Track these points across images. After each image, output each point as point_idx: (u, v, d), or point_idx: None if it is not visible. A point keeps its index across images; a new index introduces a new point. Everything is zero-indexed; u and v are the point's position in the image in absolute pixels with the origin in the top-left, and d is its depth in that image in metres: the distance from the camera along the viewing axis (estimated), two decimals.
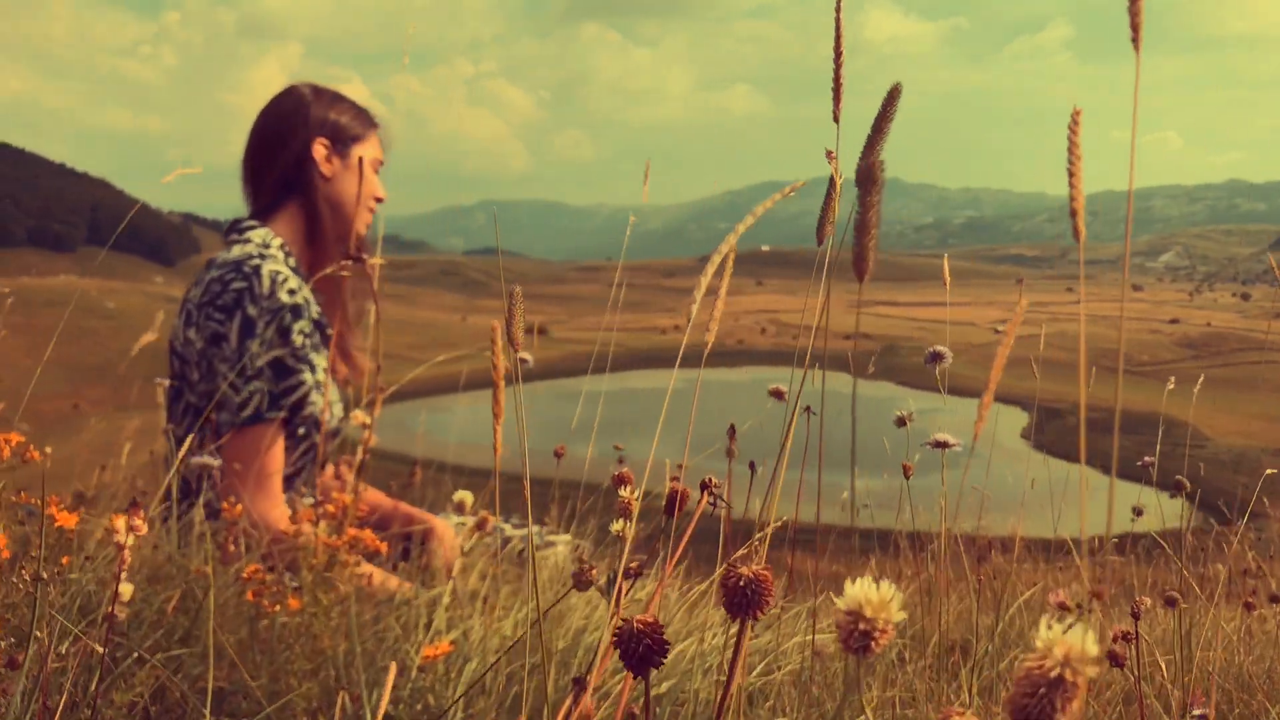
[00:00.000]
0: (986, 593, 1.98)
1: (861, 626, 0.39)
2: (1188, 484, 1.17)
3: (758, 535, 1.24)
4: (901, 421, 1.32)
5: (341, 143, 1.95)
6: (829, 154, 0.64)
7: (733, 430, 1.86)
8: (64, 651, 1.08)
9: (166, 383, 1.89)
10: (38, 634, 0.91)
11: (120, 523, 1.00)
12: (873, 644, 0.40)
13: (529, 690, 1.10)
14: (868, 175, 0.51)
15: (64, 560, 1.12)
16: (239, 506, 1.35)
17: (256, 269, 1.79)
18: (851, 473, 0.81)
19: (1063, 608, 1.59)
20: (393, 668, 0.65)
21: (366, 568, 1.91)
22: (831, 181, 0.66)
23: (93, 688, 1.09)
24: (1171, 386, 2.09)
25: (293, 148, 1.92)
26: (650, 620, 0.55)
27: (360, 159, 1.79)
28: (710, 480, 0.84)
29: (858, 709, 1.17)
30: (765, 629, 1.52)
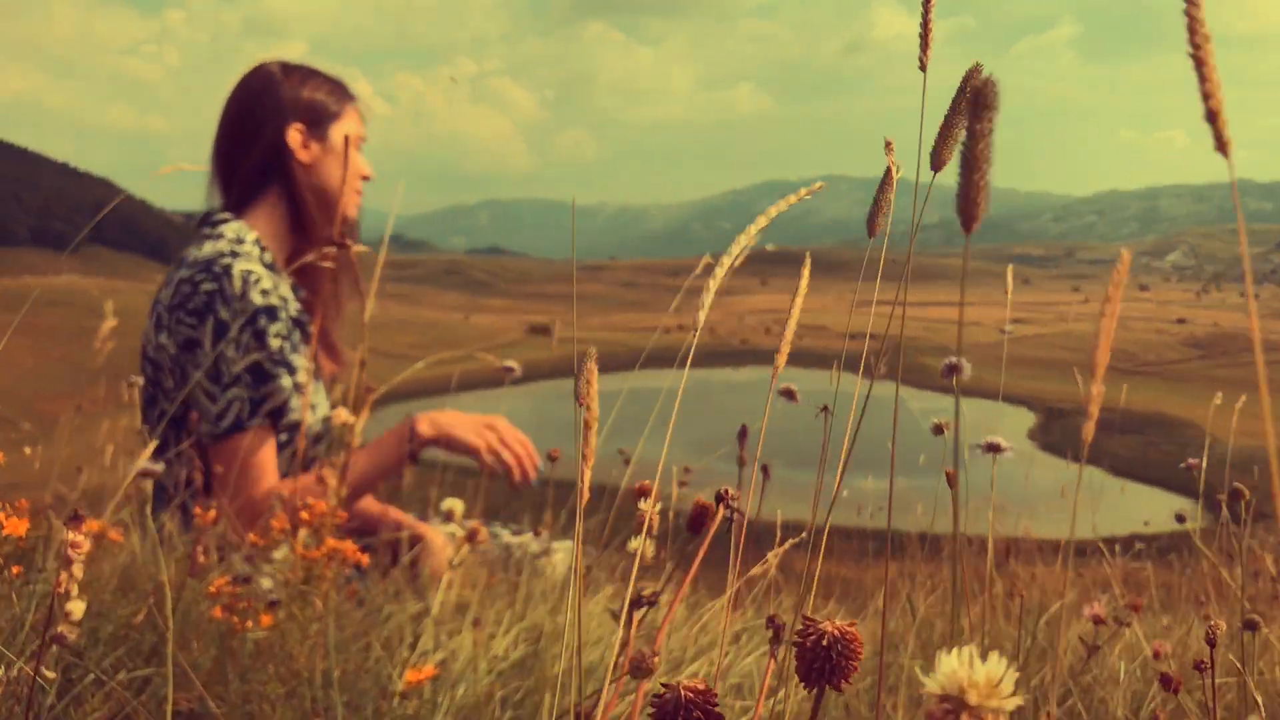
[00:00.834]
0: (1013, 602, 1.87)
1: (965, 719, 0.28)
2: (1246, 492, 1.06)
3: (790, 542, 1.14)
4: (939, 429, 1.24)
5: (318, 124, 1.82)
6: (888, 144, 0.55)
7: (743, 432, 1.76)
8: (14, 676, 0.98)
9: (140, 381, 1.79)
10: None
11: (73, 535, 0.90)
12: None
13: None
14: (980, 97, 0.41)
15: (15, 570, 1.02)
16: (210, 513, 1.25)
17: (227, 269, 1.68)
18: (891, 478, 0.72)
19: (1098, 621, 1.49)
20: None
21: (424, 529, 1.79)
22: (887, 173, 0.57)
23: (43, 714, 0.99)
24: (1218, 401, 2.00)
25: (266, 135, 1.79)
26: (702, 689, 0.45)
27: (345, 137, 1.68)
28: (727, 491, 0.74)
29: None
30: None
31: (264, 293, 1.68)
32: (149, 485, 1.66)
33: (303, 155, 1.81)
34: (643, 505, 0.84)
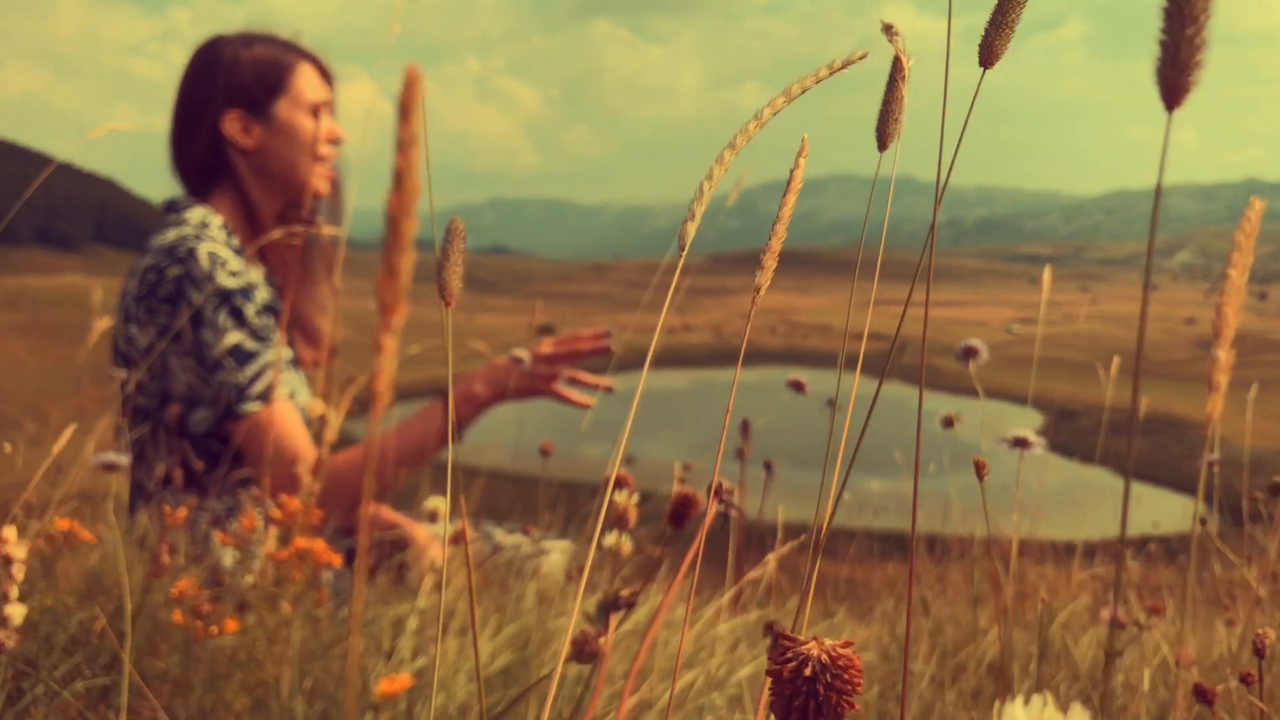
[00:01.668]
0: (1027, 605, 1.80)
1: None
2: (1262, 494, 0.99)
3: (790, 545, 1.07)
4: (949, 422, 1.18)
5: (259, 104, 1.70)
6: (887, 27, 0.47)
7: (746, 427, 1.68)
8: None
9: (122, 374, 1.72)
10: None
11: (6, 533, 0.83)
12: None
13: None
14: None
15: None
16: (181, 511, 1.18)
17: (191, 251, 1.60)
18: (915, 476, 0.65)
19: (1117, 625, 1.41)
20: None
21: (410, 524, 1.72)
22: (896, 63, 0.48)
23: None
24: (1252, 396, 1.93)
25: (202, 133, 1.70)
26: (843, 650, 0.34)
27: (315, 108, 1.60)
28: (721, 484, 0.67)
29: None
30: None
31: (233, 274, 1.61)
32: (112, 480, 1.59)
33: (246, 142, 1.71)
34: (618, 498, 0.77)
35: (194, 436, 1.64)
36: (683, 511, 0.74)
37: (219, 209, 1.73)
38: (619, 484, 0.87)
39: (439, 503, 1.45)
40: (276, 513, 1.05)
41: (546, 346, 1.69)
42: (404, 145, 0.25)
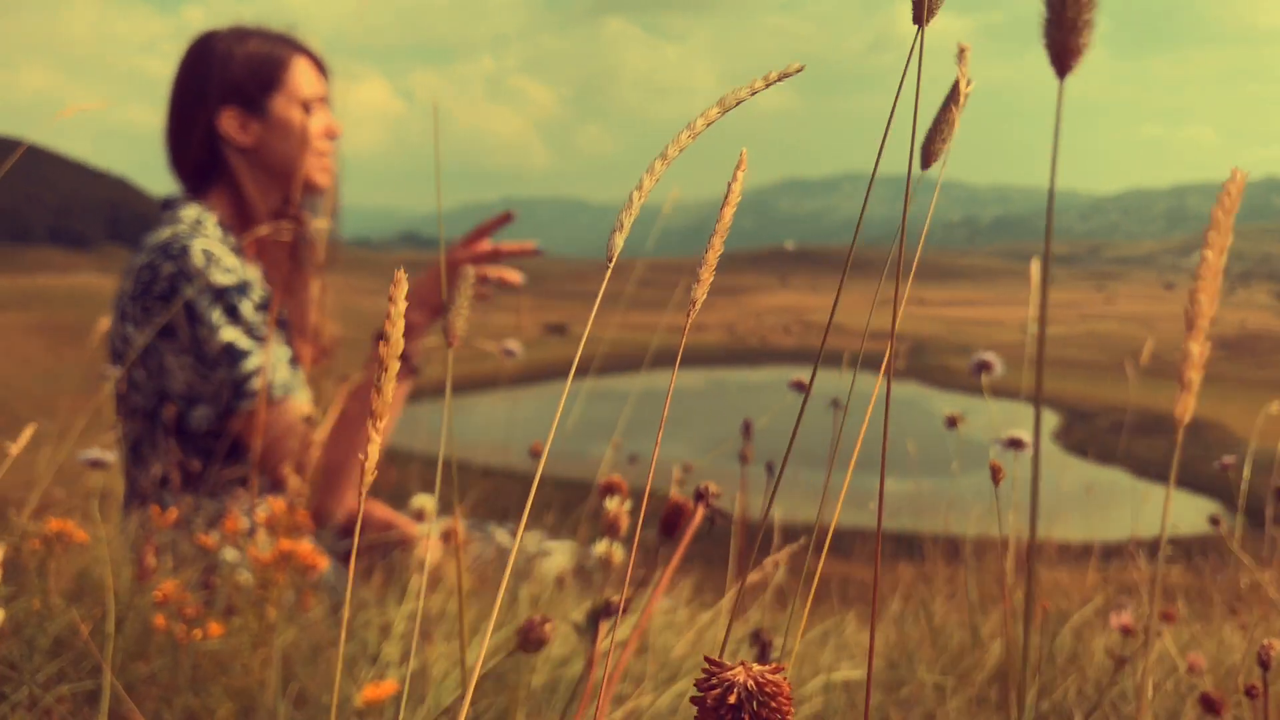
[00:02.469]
0: (1038, 609, 1.76)
1: None
2: None
3: (791, 548, 1.04)
4: (953, 422, 1.16)
5: (255, 100, 1.68)
6: (961, 51, 0.45)
7: (747, 427, 1.66)
8: None
9: (116, 373, 1.71)
10: None
11: None
12: None
13: None
14: None
15: None
16: (171, 512, 1.16)
17: (185, 248, 1.59)
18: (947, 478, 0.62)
19: (1127, 632, 1.38)
20: None
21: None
22: (955, 87, 0.47)
23: None
24: (1274, 410, 1.91)
25: (198, 131, 1.68)
26: (770, 675, 0.33)
27: (312, 103, 1.58)
28: (707, 488, 0.64)
29: None
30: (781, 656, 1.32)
31: (227, 270, 1.60)
32: (101, 479, 1.58)
33: (243, 139, 1.69)
34: (609, 504, 0.75)
35: (193, 434, 1.63)
36: (673, 521, 0.72)
37: (215, 207, 1.71)
38: (612, 490, 0.85)
39: (425, 500, 1.43)
40: (261, 515, 1.03)
41: (461, 254, 1.66)
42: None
